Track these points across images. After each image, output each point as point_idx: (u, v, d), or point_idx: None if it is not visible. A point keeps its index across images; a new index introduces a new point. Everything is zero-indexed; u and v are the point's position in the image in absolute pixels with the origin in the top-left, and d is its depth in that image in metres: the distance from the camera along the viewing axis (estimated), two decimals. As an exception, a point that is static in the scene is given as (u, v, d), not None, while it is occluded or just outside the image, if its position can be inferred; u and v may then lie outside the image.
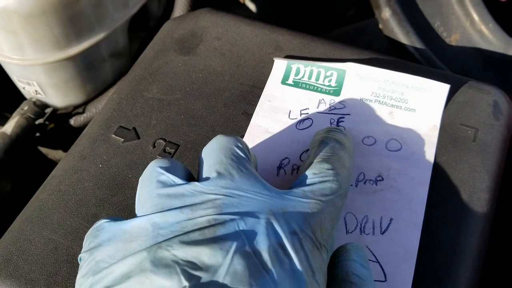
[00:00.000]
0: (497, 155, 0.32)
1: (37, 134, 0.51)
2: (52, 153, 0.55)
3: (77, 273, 0.28)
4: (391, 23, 0.42)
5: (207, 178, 0.23)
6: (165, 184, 0.23)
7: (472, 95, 0.34)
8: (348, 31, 0.58)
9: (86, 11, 0.43)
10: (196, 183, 0.23)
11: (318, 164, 0.25)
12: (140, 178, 0.25)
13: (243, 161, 0.24)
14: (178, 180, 0.23)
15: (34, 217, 0.31)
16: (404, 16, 0.43)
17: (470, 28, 0.45)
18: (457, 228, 0.29)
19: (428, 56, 0.41)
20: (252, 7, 0.70)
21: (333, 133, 0.27)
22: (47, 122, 0.51)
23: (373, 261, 0.27)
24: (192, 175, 0.26)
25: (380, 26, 0.44)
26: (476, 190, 0.30)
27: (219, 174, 0.23)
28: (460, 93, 0.34)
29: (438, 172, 0.31)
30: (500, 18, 0.45)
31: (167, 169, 0.24)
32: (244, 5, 0.70)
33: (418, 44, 0.42)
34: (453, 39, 0.46)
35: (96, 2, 0.44)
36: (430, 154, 0.31)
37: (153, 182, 0.23)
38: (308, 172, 0.25)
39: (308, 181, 0.24)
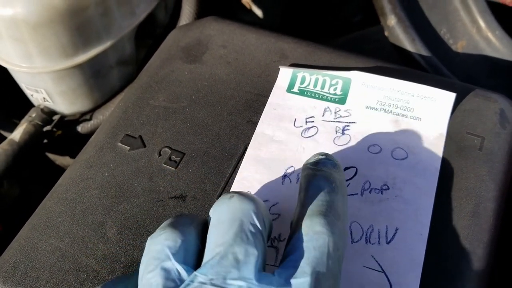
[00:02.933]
0: (503, 164, 0.32)
1: (45, 141, 0.52)
2: (59, 159, 0.56)
3: (83, 281, 0.29)
4: (397, 31, 0.42)
5: (210, 265, 0.21)
6: (168, 275, 0.21)
7: (479, 103, 0.34)
8: (354, 38, 0.58)
9: (93, 20, 0.44)
10: (198, 275, 0.21)
11: (308, 220, 0.23)
12: (148, 242, 0.23)
13: (255, 239, 0.21)
14: (183, 271, 0.22)
15: (41, 225, 0.31)
16: (410, 23, 0.43)
17: (477, 35, 0.45)
18: (463, 238, 0.29)
19: (434, 63, 0.41)
20: (258, 13, 0.70)
21: (322, 166, 0.25)
22: (54, 129, 0.51)
23: (379, 271, 0.27)
24: (204, 242, 0.23)
25: (386, 33, 0.44)
26: (483, 200, 0.30)
27: (223, 261, 0.21)
28: (466, 101, 0.34)
29: (444, 181, 0.31)
30: (507, 25, 0.45)
31: (176, 253, 0.22)
32: (250, 11, 0.71)
33: (424, 52, 0.42)
34: (459, 46, 0.46)
35: (103, 10, 0.44)
36: (436, 163, 0.31)
37: (158, 267, 0.22)
38: (299, 235, 0.22)
39: (301, 249, 0.22)
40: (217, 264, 0.21)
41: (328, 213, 0.23)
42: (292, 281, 0.21)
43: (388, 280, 0.27)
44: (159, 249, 0.22)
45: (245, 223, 0.22)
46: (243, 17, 0.70)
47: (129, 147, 0.34)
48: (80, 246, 0.30)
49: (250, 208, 0.22)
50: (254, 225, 0.22)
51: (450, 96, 0.32)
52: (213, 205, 0.24)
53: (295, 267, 0.21)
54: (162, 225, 0.24)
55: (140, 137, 0.35)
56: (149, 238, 0.23)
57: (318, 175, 0.25)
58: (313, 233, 0.22)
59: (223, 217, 0.22)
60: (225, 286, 0.20)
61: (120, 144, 0.34)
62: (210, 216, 0.24)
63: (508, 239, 0.35)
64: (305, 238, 0.22)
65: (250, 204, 0.23)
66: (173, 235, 0.23)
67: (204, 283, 0.20)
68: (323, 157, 0.26)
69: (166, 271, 0.22)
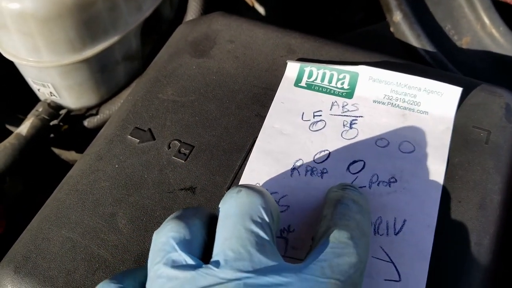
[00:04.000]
0: (509, 157, 0.32)
1: (51, 135, 0.52)
2: (65, 154, 0.56)
3: (94, 271, 0.29)
4: (402, 26, 0.43)
5: (222, 259, 0.21)
6: (176, 264, 0.22)
7: (484, 97, 0.34)
8: (358, 35, 0.59)
9: (101, 15, 0.44)
10: (210, 267, 0.21)
11: (336, 232, 0.23)
12: (154, 236, 0.23)
13: (264, 232, 0.22)
14: (190, 261, 0.22)
15: (52, 216, 0.32)
16: (415, 19, 0.43)
17: (481, 31, 0.45)
18: (470, 230, 0.29)
19: (439, 59, 0.42)
20: (261, 10, 0.71)
21: (349, 191, 0.26)
22: (61, 123, 0.51)
23: (387, 261, 0.27)
24: (211, 234, 0.24)
25: (392, 29, 0.44)
26: (489, 192, 0.30)
27: (235, 254, 0.21)
28: (472, 95, 0.34)
29: (451, 174, 0.31)
30: (511, 21, 0.45)
31: (181, 244, 0.22)
32: (253, 8, 0.71)
33: (429, 47, 0.42)
34: (464, 42, 0.46)
35: (111, 5, 0.44)
36: (443, 156, 0.31)
37: (164, 258, 0.22)
38: (326, 241, 0.23)
39: (326, 253, 0.22)
40: (232, 260, 0.21)
41: (355, 229, 0.24)
42: (311, 277, 0.21)
43: (397, 270, 0.27)
44: (165, 241, 0.23)
45: (253, 216, 0.22)
46: (246, 14, 0.71)
47: (138, 140, 0.34)
48: (91, 237, 0.30)
49: (258, 202, 0.23)
50: (262, 219, 0.22)
51: (457, 91, 0.32)
52: (222, 199, 0.24)
53: (317, 266, 0.22)
54: (167, 219, 0.24)
55: (150, 130, 0.35)
56: (155, 232, 0.24)
57: (347, 197, 0.26)
58: (340, 242, 0.23)
59: (231, 211, 0.23)
60: (241, 278, 0.20)
61: (129, 137, 0.35)
62: (220, 209, 0.24)
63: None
64: (331, 245, 0.23)
65: (258, 198, 0.23)
66: (177, 227, 0.23)
67: (224, 281, 0.20)
68: (348, 185, 0.27)
69: (174, 262, 0.22)
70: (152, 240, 0.24)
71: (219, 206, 0.24)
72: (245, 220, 0.22)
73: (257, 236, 0.22)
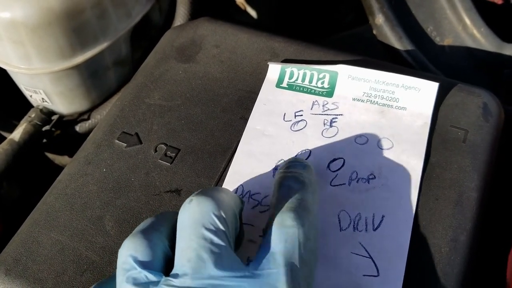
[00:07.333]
0: (486, 156, 0.33)
1: (44, 140, 0.53)
2: (58, 159, 0.57)
3: (82, 272, 0.30)
4: (385, 29, 0.44)
5: (181, 270, 0.22)
6: (137, 281, 0.23)
7: (463, 97, 0.35)
8: (346, 36, 0.60)
9: (90, 22, 0.45)
10: (169, 279, 0.22)
11: (279, 217, 0.24)
12: (118, 253, 0.24)
13: (217, 238, 0.23)
14: (151, 276, 0.23)
15: (42, 219, 0.33)
16: (397, 22, 0.44)
17: (463, 32, 0.46)
18: (447, 226, 0.30)
19: (421, 60, 0.43)
20: (253, 13, 0.71)
21: (292, 169, 0.27)
22: (53, 129, 0.52)
23: (366, 257, 0.28)
24: (173, 244, 0.24)
25: (374, 32, 0.45)
26: (466, 189, 0.31)
27: (191, 263, 0.22)
28: (450, 95, 0.35)
29: (429, 173, 0.32)
30: (492, 22, 0.46)
31: (139, 261, 0.23)
32: (245, 12, 0.72)
33: (411, 49, 0.43)
34: (446, 43, 0.47)
35: (99, 13, 0.45)
36: (420, 152, 0.32)
37: (125, 277, 0.23)
38: (271, 231, 0.24)
39: (274, 242, 0.23)
40: (189, 269, 0.22)
41: (297, 208, 0.25)
42: (265, 272, 0.22)
43: (375, 265, 0.28)
44: (124, 260, 0.23)
45: (206, 225, 0.23)
46: (238, 17, 0.71)
47: (126, 144, 0.35)
48: (79, 239, 0.31)
49: (209, 209, 0.23)
50: (215, 225, 0.23)
51: (434, 86, 0.33)
52: (179, 210, 0.25)
53: (268, 259, 0.23)
54: (134, 230, 0.25)
55: (137, 134, 0.36)
56: (119, 250, 0.24)
57: (288, 176, 0.27)
58: (284, 227, 0.24)
59: (185, 222, 0.24)
60: (201, 286, 0.21)
61: (117, 141, 0.36)
62: (177, 223, 0.25)
63: (497, 227, 0.36)
64: (277, 232, 0.24)
65: (209, 205, 0.24)
66: (133, 245, 0.24)
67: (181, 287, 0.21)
68: (293, 160, 0.28)
69: (134, 279, 0.23)
70: (118, 255, 0.24)
71: (178, 217, 0.25)
72: (198, 229, 0.23)
73: (211, 243, 0.23)
